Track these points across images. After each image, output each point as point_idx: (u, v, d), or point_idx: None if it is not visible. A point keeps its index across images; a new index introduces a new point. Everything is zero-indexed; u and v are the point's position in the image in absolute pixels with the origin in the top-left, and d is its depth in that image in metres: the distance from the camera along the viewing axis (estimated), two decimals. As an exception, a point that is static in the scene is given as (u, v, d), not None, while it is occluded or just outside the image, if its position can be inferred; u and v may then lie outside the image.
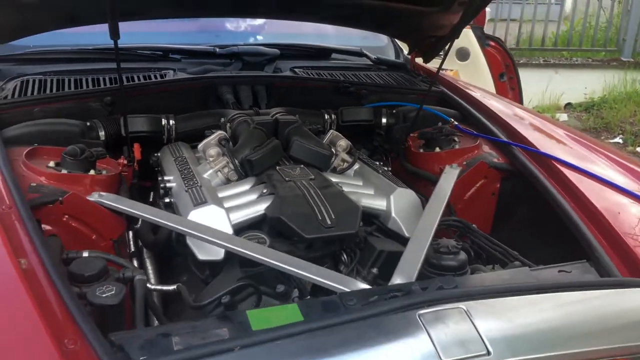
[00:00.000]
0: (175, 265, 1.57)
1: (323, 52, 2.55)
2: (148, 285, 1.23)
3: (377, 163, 1.94)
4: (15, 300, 1.02)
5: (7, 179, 1.34)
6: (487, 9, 4.95)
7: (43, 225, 1.34)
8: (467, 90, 2.30)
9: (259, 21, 2.67)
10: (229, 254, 1.36)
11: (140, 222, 1.56)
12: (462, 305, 0.99)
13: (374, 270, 1.40)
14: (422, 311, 0.97)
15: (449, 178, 1.72)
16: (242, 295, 1.31)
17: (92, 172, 1.56)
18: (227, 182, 1.66)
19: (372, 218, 1.61)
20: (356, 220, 1.45)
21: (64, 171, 1.52)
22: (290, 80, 2.24)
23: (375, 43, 2.68)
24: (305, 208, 1.44)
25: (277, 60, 2.33)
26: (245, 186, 1.61)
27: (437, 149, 1.95)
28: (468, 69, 3.89)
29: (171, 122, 1.91)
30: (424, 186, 1.83)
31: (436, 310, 0.98)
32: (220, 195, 1.54)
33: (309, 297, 1.26)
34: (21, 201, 1.25)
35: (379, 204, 1.61)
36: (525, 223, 1.74)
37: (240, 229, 1.44)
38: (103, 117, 1.88)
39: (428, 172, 1.91)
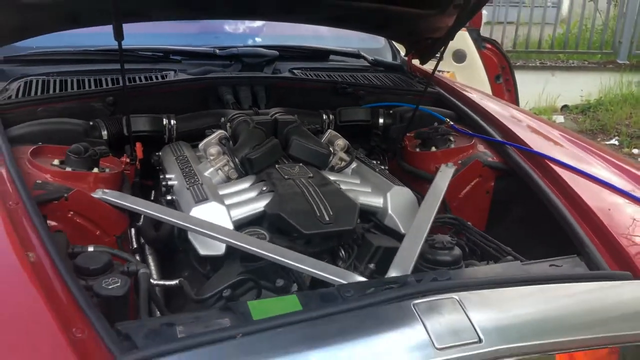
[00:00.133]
0: (177, 262, 1.60)
1: (321, 54, 2.59)
2: (151, 280, 1.26)
3: (375, 162, 1.98)
4: (24, 291, 1.05)
5: (13, 176, 1.37)
6: (484, 12, 5.00)
7: (48, 221, 1.37)
8: (463, 92, 2.34)
9: (258, 23, 2.71)
10: (230, 249, 1.40)
11: (142, 220, 1.60)
12: (455, 295, 1.03)
13: (371, 265, 1.43)
14: (416, 301, 1.01)
15: (444, 176, 1.76)
16: (243, 289, 1.34)
17: (95, 170, 1.60)
18: (228, 180, 1.70)
19: (369, 215, 1.65)
20: (354, 217, 1.48)
21: (68, 169, 1.56)
22: (289, 81, 2.28)
23: (373, 45, 2.72)
24: (304, 205, 1.48)
25: (276, 62, 2.37)
26: (245, 184, 1.65)
27: (433, 149, 1.99)
28: (464, 70, 3.93)
29: (172, 122, 1.94)
30: (420, 185, 1.87)
31: (430, 300, 1.02)
32: (221, 192, 1.58)
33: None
34: (28, 197, 1.29)
35: (376, 201, 1.65)
36: (519, 221, 1.78)
37: (241, 226, 1.48)
38: (105, 117, 1.91)
39: (424, 171, 1.94)
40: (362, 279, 1.21)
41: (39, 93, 1.98)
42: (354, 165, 1.86)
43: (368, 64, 2.59)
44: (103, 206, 1.47)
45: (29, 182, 1.40)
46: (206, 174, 1.68)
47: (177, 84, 2.11)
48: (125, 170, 1.71)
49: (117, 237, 1.51)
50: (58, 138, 1.71)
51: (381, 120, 2.17)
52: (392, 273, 1.25)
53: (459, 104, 2.22)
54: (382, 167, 1.97)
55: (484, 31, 4.85)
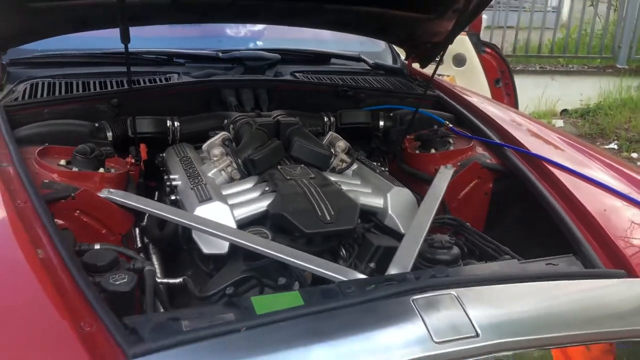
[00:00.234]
0: (180, 261, 1.63)
1: (322, 57, 2.63)
2: (155, 278, 1.29)
3: (375, 164, 2.00)
4: (34, 286, 1.08)
5: (21, 175, 1.40)
6: (484, 16, 5.04)
7: (56, 220, 1.39)
8: (462, 95, 2.37)
9: (260, 27, 2.75)
10: (233, 248, 1.43)
11: (146, 219, 1.63)
12: (453, 291, 1.06)
13: (372, 264, 1.46)
14: (415, 297, 1.04)
15: (443, 178, 1.79)
16: (246, 287, 1.37)
17: (101, 170, 1.63)
18: (231, 180, 1.73)
19: (369, 215, 1.68)
20: (354, 216, 1.51)
21: (75, 169, 1.59)
22: (290, 83, 2.31)
23: (373, 48, 2.76)
24: (305, 205, 1.51)
25: (278, 65, 2.41)
26: (248, 184, 1.68)
27: (433, 151, 2.02)
28: (464, 74, 3.96)
29: (176, 123, 1.97)
30: (419, 186, 1.89)
31: (429, 296, 1.05)
32: (224, 192, 1.61)
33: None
34: (36, 196, 1.32)
35: (376, 201, 1.68)
36: (517, 221, 1.80)
37: (244, 225, 1.50)
38: (110, 118, 1.94)
39: (424, 172, 1.97)
40: (362, 276, 1.24)
41: (44, 95, 2.01)
42: (354, 166, 1.89)
43: (369, 68, 2.63)
44: (109, 205, 1.50)
45: (36, 181, 1.43)
46: (210, 174, 1.71)
47: (181, 86, 2.14)
48: (130, 171, 1.74)
49: (123, 235, 1.54)
50: (64, 139, 1.74)
51: (381, 123, 2.20)
52: (392, 271, 1.28)
53: (458, 106, 2.25)
54: (383, 168, 1.99)
55: (484, 35, 4.89)
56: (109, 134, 1.88)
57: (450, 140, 2.04)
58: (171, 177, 1.71)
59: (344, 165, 1.87)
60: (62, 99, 1.96)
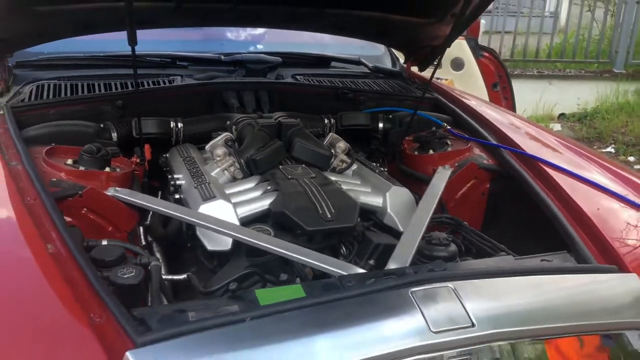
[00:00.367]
0: (183, 259, 1.66)
1: (323, 61, 2.67)
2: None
3: (374, 164, 2.04)
4: (45, 279, 1.12)
5: (30, 174, 1.44)
6: (482, 21, 5.09)
7: (64, 217, 1.43)
8: (460, 98, 2.41)
9: (261, 31, 2.79)
10: (236, 245, 1.46)
11: (149, 218, 1.66)
12: (450, 284, 1.10)
13: (371, 261, 1.50)
14: (414, 289, 1.08)
15: (441, 178, 1.82)
16: (249, 283, 1.40)
17: (107, 169, 1.66)
18: (233, 180, 1.77)
19: (369, 214, 1.71)
20: (354, 214, 1.55)
21: (82, 168, 1.62)
22: (291, 86, 2.35)
23: (373, 52, 2.80)
24: (306, 203, 1.54)
25: (279, 68, 2.45)
26: (250, 184, 1.72)
27: (431, 152, 2.06)
28: (462, 78, 4.01)
29: (179, 124, 2.01)
30: (418, 186, 1.93)
31: (427, 288, 1.09)
32: (227, 191, 1.64)
33: (310, 282, 1.36)
34: (45, 193, 1.35)
35: (375, 200, 1.72)
36: (513, 220, 1.84)
37: (246, 223, 1.54)
38: (115, 119, 1.98)
39: (422, 173, 2.01)
40: (362, 271, 1.28)
41: (50, 96, 2.05)
42: (354, 166, 1.92)
43: (368, 71, 2.67)
44: (115, 203, 1.53)
45: (44, 180, 1.46)
46: (213, 174, 1.75)
47: (184, 88, 2.18)
48: (134, 171, 1.78)
49: (128, 233, 1.58)
50: (70, 139, 1.77)
51: (381, 125, 2.24)
52: (391, 266, 1.32)
53: (456, 109, 2.29)
54: (382, 169, 2.04)
55: (482, 40, 4.93)
56: (114, 135, 1.91)
57: (448, 142, 2.08)
58: (175, 176, 1.74)
59: (344, 165, 1.91)
60: (68, 100, 2.00)
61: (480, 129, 2.10)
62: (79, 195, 1.47)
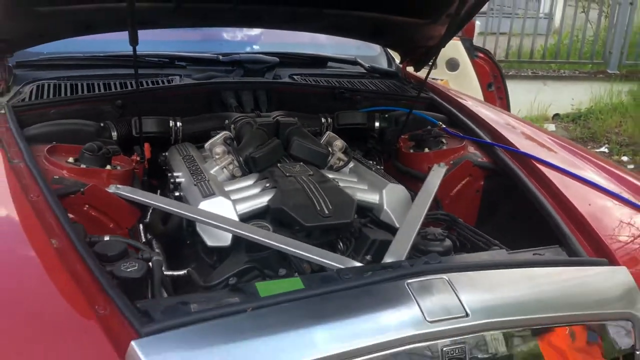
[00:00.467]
0: (183, 257, 1.69)
1: (319, 61, 2.70)
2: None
3: (371, 162, 2.07)
4: (50, 273, 1.15)
5: (33, 171, 1.46)
6: (477, 23, 5.13)
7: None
8: (454, 97, 2.45)
9: (259, 31, 2.82)
10: (236, 240, 1.49)
11: (149, 216, 1.69)
12: (445, 276, 1.13)
13: (368, 257, 1.53)
14: (410, 281, 1.11)
15: (436, 175, 1.86)
16: (248, 277, 1.43)
17: (108, 167, 1.69)
18: (232, 177, 1.79)
19: (365, 211, 1.74)
20: (351, 211, 1.58)
21: (83, 166, 1.65)
22: (289, 86, 2.38)
23: (369, 52, 2.83)
24: (304, 200, 1.57)
25: (277, 68, 2.47)
26: (249, 181, 1.75)
27: (426, 150, 2.09)
28: (458, 79, 4.05)
29: (178, 123, 2.03)
30: (414, 184, 1.95)
31: (422, 280, 1.12)
32: (227, 189, 1.67)
33: (309, 277, 1.39)
34: (48, 190, 1.38)
35: (372, 197, 1.75)
36: (507, 217, 1.87)
37: (245, 219, 1.56)
38: (114, 118, 2.01)
39: (418, 170, 2.04)
40: (360, 264, 1.31)
41: (50, 96, 2.07)
42: (351, 164, 1.95)
43: (364, 71, 2.70)
44: (116, 200, 1.56)
45: (46, 177, 1.49)
46: (212, 171, 1.77)
47: (184, 88, 2.21)
48: (135, 169, 1.80)
49: (129, 229, 1.61)
50: (71, 138, 1.80)
51: (377, 124, 2.27)
52: (387, 260, 1.35)
53: (451, 108, 2.32)
54: (378, 167, 2.07)
55: (478, 42, 4.97)
56: (114, 134, 1.94)
57: (443, 140, 2.11)
58: (175, 174, 1.76)
59: (341, 163, 1.94)
60: (68, 100, 2.03)
61: (475, 128, 2.13)
62: (81, 192, 1.50)
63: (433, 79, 2.82)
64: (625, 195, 1.70)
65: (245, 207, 1.60)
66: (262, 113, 2.15)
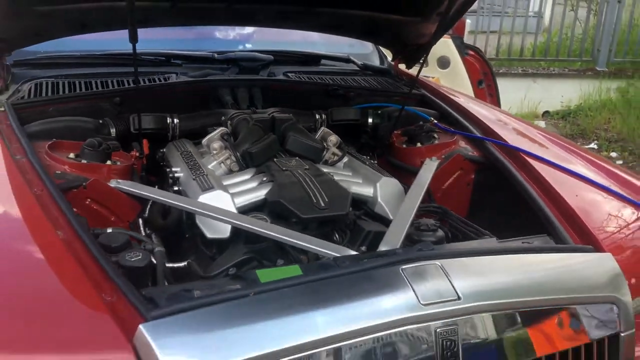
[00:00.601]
0: (183, 250, 1.72)
1: (313, 58, 2.74)
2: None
3: (365, 157, 2.12)
4: (58, 262, 1.19)
5: (36, 166, 1.50)
6: (468, 21, 5.19)
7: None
8: (446, 93, 2.50)
9: (253, 29, 2.85)
10: (235, 232, 1.53)
11: (147, 210, 1.73)
12: (438, 262, 1.18)
13: (363, 248, 1.58)
14: (404, 266, 1.16)
15: (428, 169, 1.91)
16: (247, 268, 1.47)
17: (108, 162, 1.73)
18: (230, 172, 1.83)
19: (360, 203, 1.79)
20: (347, 203, 1.63)
21: (84, 161, 1.68)
22: (284, 83, 2.42)
23: (361, 50, 2.87)
24: (301, 192, 1.61)
25: (271, 66, 2.50)
26: (246, 175, 1.79)
27: (419, 145, 2.14)
28: (448, 76, 4.11)
29: (175, 120, 2.07)
30: (406, 178, 1.99)
31: (416, 266, 1.17)
32: (225, 183, 1.71)
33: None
34: (52, 184, 1.41)
35: (366, 190, 1.79)
36: (497, 209, 1.92)
37: (243, 212, 1.60)
38: (113, 115, 2.04)
39: (410, 165, 2.09)
40: (356, 253, 1.36)
41: (48, 94, 2.10)
42: (345, 159, 2.00)
43: (357, 68, 2.74)
44: (118, 194, 1.60)
45: (49, 173, 1.53)
46: (210, 166, 1.81)
47: (181, 85, 2.24)
48: (134, 165, 1.84)
49: (130, 223, 1.64)
50: (71, 134, 1.83)
51: (370, 120, 2.31)
52: (382, 248, 1.40)
53: (442, 104, 2.38)
54: (372, 161, 2.11)
55: (468, 40, 5.03)
56: (113, 130, 1.97)
57: (435, 135, 2.16)
58: (173, 169, 1.80)
59: (336, 158, 1.99)
60: (67, 98, 2.06)
61: (466, 123, 2.19)
62: (83, 186, 1.54)
63: (424, 76, 2.88)
64: (612, 187, 1.76)
65: (243, 200, 1.64)
66: (258, 110, 2.19)
